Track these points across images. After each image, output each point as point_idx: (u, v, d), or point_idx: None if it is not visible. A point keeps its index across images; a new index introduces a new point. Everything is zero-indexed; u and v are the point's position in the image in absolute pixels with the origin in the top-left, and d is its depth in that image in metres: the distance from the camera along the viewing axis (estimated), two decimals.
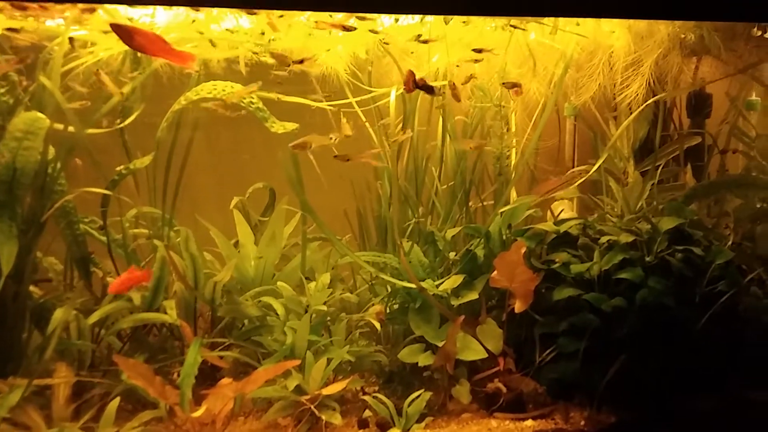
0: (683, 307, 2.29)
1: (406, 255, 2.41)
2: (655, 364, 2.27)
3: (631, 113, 2.57)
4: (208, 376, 2.27)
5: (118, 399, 2.02)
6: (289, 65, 2.23)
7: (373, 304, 2.46)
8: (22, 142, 2.04)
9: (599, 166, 2.60)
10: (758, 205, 2.67)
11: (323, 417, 2.13)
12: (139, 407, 2.13)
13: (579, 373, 2.26)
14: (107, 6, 2.08)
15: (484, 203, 2.81)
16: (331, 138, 2.19)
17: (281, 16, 2.20)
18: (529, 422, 2.26)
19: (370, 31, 2.26)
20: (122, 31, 1.88)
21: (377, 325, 2.35)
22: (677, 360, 2.29)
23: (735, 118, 2.87)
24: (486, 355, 2.29)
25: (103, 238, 2.40)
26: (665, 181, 2.86)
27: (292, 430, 2.16)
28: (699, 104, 3.00)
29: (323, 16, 2.14)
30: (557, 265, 2.36)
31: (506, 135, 2.68)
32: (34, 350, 2.11)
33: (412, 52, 2.47)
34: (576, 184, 2.58)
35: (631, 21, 2.41)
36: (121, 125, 2.40)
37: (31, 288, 2.24)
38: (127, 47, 2.05)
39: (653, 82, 2.46)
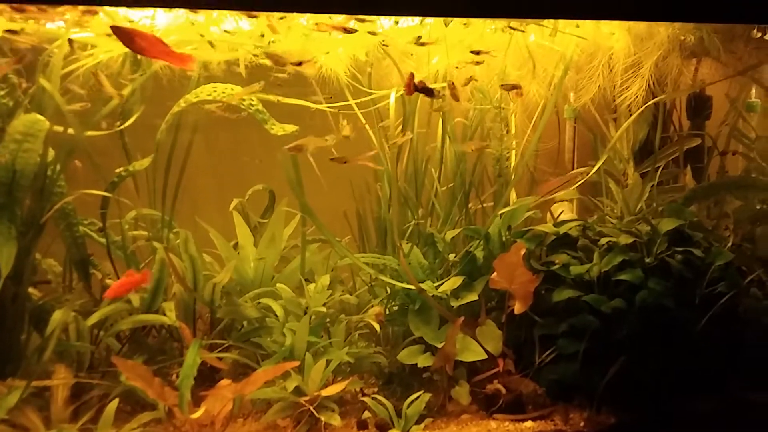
0: (683, 308, 2.29)
1: (405, 256, 2.41)
2: (654, 365, 2.27)
3: (630, 115, 2.57)
4: (207, 377, 2.27)
5: (117, 400, 2.01)
6: (284, 65, 2.23)
7: (372, 306, 2.46)
8: (22, 144, 2.04)
9: (599, 168, 2.60)
10: (758, 207, 2.67)
11: (322, 418, 2.13)
12: (138, 409, 2.13)
13: (579, 374, 2.25)
14: (107, 8, 2.08)
15: (484, 205, 2.81)
16: (327, 140, 2.19)
17: (282, 17, 2.21)
18: (529, 423, 2.25)
19: (368, 32, 2.26)
20: (122, 34, 1.88)
21: (377, 326, 2.35)
22: (677, 361, 2.29)
23: (735, 119, 2.87)
24: (485, 357, 2.28)
25: (103, 240, 2.40)
26: (665, 183, 2.86)
27: (292, 431, 2.16)
28: (699, 106, 3.01)
29: (323, 18, 2.14)
30: (557, 266, 2.36)
31: (506, 137, 2.68)
32: (32, 351, 2.11)
33: (411, 54, 2.47)
34: (576, 185, 2.58)
35: (631, 23, 2.41)
36: (121, 127, 2.40)
37: (30, 289, 2.24)
38: (127, 49, 2.06)
39: (653, 83, 2.46)
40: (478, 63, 2.39)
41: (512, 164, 2.72)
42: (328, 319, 2.42)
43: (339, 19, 2.15)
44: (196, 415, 1.98)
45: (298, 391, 2.15)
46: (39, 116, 2.09)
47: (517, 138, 2.72)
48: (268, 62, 2.32)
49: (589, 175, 2.58)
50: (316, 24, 2.16)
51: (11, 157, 2.02)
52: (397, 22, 2.36)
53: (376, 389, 2.38)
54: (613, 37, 2.46)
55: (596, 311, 2.27)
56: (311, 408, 2.11)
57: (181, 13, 2.20)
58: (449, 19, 2.29)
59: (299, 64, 2.19)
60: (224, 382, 2.08)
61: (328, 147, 2.23)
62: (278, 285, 2.41)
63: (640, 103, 2.48)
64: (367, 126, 2.55)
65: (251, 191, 2.71)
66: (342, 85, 2.41)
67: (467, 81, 2.46)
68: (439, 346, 2.27)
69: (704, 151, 2.94)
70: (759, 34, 2.56)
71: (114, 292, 2.12)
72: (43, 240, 2.20)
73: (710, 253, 2.37)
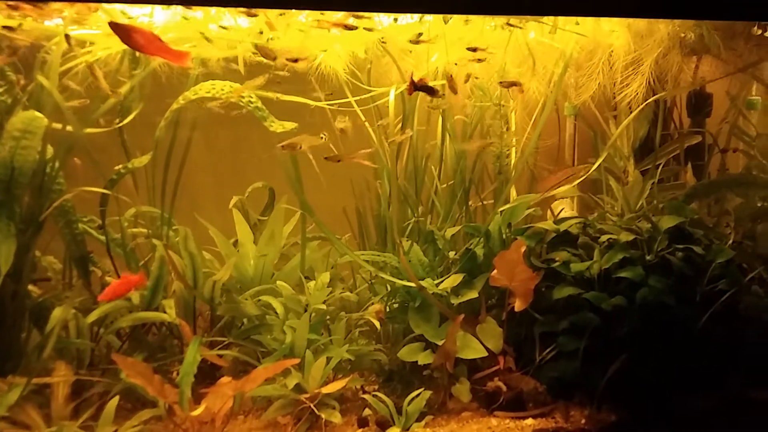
0: (684, 305, 2.29)
1: (405, 254, 2.41)
2: (655, 362, 2.27)
3: (631, 112, 2.56)
4: (208, 374, 2.26)
5: (117, 398, 2.01)
6: (274, 59, 2.21)
7: (372, 303, 2.46)
8: (20, 141, 2.04)
9: (599, 165, 2.59)
10: (759, 204, 2.67)
11: (323, 415, 2.13)
12: (138, 406, 2.12)
13: (579, 371, 2.25)
14: (105, 6, 2.08)
15: (484, 202, 2.80)
16: (321, 137, 2.18)
17: (282, 14, 2.20)
18: (529, 421, 2.25)
19: (365, 29, 2.25)
20: (120, 30, 1.88)
21: (377, 323, 2.35)
22: (678, 359, 2.29)
23: (735, 117, 2.87)
24: (486, 354, 2.28)
25: (102, 238, 2.40)
26: (665, 180, 2.86)
27: (292, 428, 2.15)
28: (699, 103, 3.00)
29: (326, 15, 2.13)
30: (557, 263, 2.36)
31: (506, 134, 2.68)
32: (33, 349, 2.11)
33: (410, 51, 2.47)
34: (576, 182, 2.58)
35: (631, 20, 2.41)
36: (120, 124, 2.40)
37: (30, 287, 2.24)
38: (125, 46, 2.05)
39: (653, 81, 2.46)
40: (480, 60, 2.38)
41: (512, 161, 2.72)
42: (328, 317, 2.41)
43: (338, 16, 2.15)
44: (196, 413, 1.98)
45: (299, 389, 2.15)
46: (37, 113, 2.08)
47: (517, 135, 2.72)
48: (267, 60, 2.31)
49: (590, 172, 2.58)
50: (317, 21, 2.15)
51: (10, 154, 2.02)
52: (396, 20, 2.35)
53: (376, 387, 2.38)
54: (613, 34, 2.45)
55: (597, 309, 2.26)
56: (312, 405, 2.11)
57: (178, 10, 2.20)
58: (449, 16, 2.29)
59: (295, 60, 2.18)
60: (224, 379, 2.07)
61: (327, 145, 2.22)
62: (278, 282, 2.40)
63: (640, 100, 2.47)
64: (366, 123, 2.54)
65: (251, 189, 2.71)
66: (341, 83, 2.41)
67: (466, 78, 2.45)
68: (440, 343, 2.27)
69: (705, 148, 2.94)
70: (759, 31, 2.55)
71: (109, 296, 2.11)
72: (42, 237, 2.19)
73: (711, 251, 2.37)
